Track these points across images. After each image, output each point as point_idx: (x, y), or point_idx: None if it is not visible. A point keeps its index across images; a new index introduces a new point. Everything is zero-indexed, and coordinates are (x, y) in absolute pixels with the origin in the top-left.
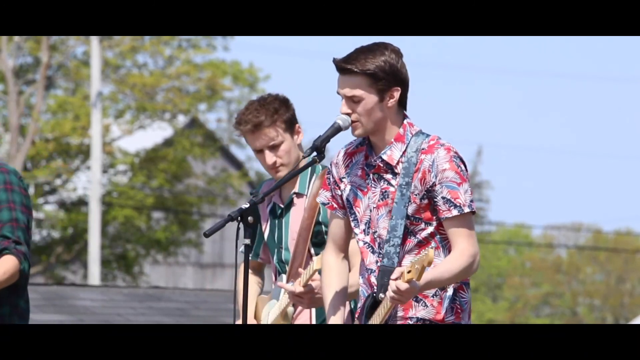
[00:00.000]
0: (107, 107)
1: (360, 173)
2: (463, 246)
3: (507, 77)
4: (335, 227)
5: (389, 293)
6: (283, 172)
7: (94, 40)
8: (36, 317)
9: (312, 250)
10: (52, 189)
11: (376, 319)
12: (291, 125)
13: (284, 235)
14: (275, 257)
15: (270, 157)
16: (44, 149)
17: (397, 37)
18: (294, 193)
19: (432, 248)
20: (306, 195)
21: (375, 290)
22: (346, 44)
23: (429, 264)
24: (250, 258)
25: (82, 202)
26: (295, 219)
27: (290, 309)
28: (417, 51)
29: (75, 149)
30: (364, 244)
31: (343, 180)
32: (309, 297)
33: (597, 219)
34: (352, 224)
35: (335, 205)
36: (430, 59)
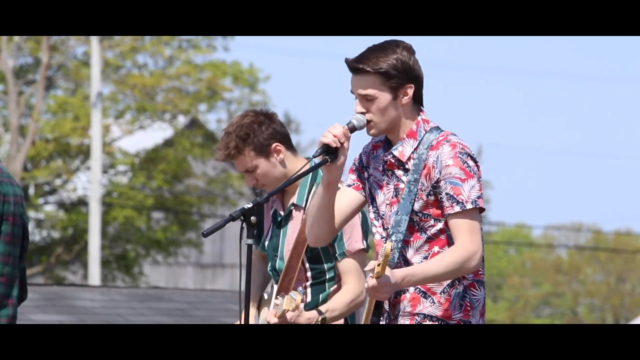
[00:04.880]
0: (107, 107)
1: (380, 168)
2: (460, 242)
3: (507, 77)
4: (346, 198)
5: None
6: (268, 189)
7: (94, 40)
8: (36, 317)
9: (307, 265)
10: (52, 189)
11: (363, 316)
12: (263, 148)
13: (280, 244)
14: (270, 264)
15: (249, 180)
16: (44, 149)
17: (398, 38)
18: (293, 204)
19: (391, 241)
20: (304, 208)
21: None
22: (346, 44)
23: (386, 257)
24: (259, 250)
25: (82, 203)
26: (292, 231)
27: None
28: (417, 51)
29: (75, 149)
30: (381, 237)
31: (367, 170)
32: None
33: (597, 219)
34: (373, 216)
35: (361, 186)
36: (431, 59)
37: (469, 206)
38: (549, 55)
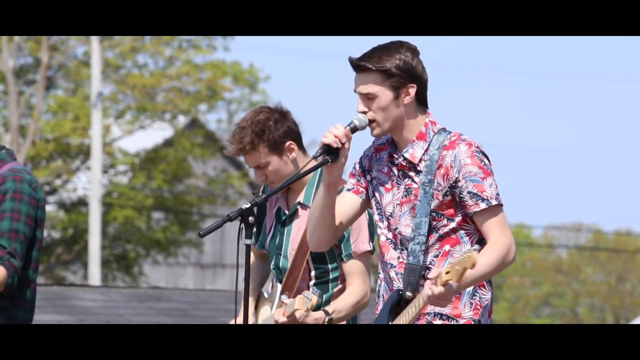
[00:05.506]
0: (108, 107)
1: (385, 170)
2: (495, 238)
3: (507, 77)
4: (346, 202)
5: (425, 294)
6: (276, 186)
7: (94, 40)
8: (36, 317)
9: (311, 265)
10: (53, 189)
11: (405, 317)
12: (277, 145)
13: (284, 243)
14: (272, 262)
15: (258, 175)
16: (44, 149)
17: (397, 38)
18: (299, 203)
19: (475, 250)
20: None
21: (402, 288)
22: (346, 44)
23: (473, 266)
24: (257, 248)
25: (82, 203)
26: (297, 230)
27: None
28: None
29: (75, 149)
30: (387, 239)
31: (370, 172)
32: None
33: (597, 219)
34: (377, 218)
35: (361, 190)
36: (431, 59)
37: (494, 202)
38: (549, 55)
